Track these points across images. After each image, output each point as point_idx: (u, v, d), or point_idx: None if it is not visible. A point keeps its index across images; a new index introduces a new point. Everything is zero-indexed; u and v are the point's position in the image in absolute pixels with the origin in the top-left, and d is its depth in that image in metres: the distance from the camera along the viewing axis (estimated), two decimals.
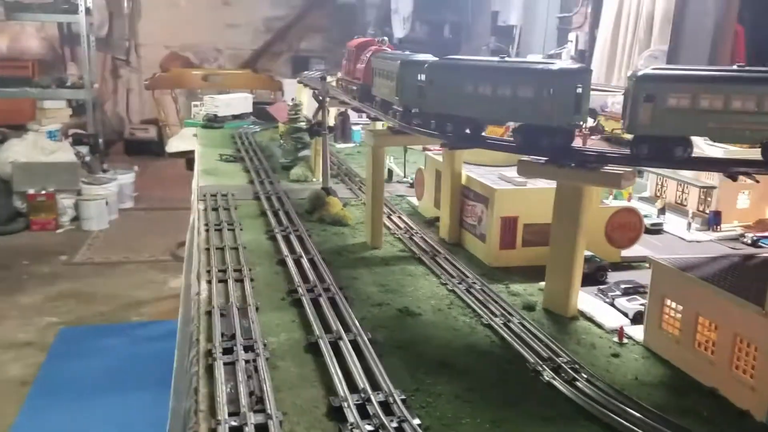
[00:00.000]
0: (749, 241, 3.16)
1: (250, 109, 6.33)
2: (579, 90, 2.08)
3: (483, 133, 2.41)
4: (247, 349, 1.92)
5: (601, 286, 2.48)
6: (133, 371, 6.15)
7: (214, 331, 2.03)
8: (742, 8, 7.77)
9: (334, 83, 3.85)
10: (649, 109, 1.94)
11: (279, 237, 2.98)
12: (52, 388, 5.75)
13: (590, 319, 2.28)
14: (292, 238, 2.96)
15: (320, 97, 3.38)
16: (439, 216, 3.24)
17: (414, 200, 3.76)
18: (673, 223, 3.40)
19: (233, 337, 1.98)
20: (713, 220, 3.30)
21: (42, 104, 11.71)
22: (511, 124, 2.91)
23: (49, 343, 6.50)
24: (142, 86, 14.87)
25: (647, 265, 2.83)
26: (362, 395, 1.70)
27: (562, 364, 1.90)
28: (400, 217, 3.40)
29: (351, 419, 1.60)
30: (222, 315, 2.15)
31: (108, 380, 5.96)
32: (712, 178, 3.35)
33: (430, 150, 5.10)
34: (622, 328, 2.15)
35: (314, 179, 4.17)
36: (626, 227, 2.81)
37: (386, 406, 1.65)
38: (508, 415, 1.70)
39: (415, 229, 3.21)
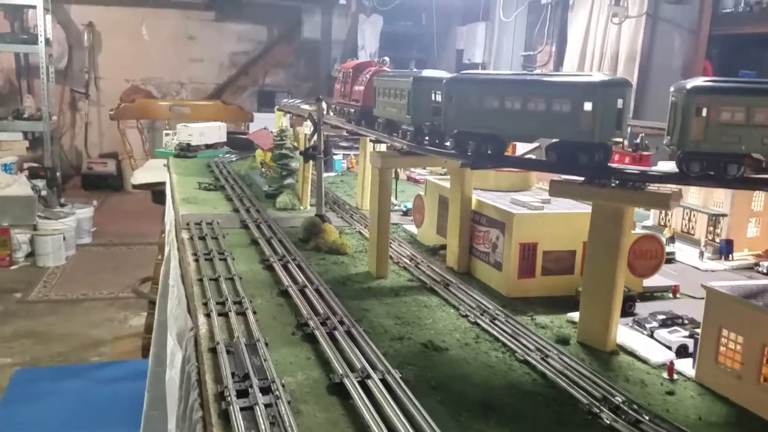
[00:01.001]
0: (765, 270, 3.04)
1: (224, 139, 6.08)
2: (620, 104, 1.93)
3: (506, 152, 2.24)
4: (264, 391, 1.67)
5: (637, 317, 2.30)
6: (94, 414, 5.77)
7: (223, 371, 1.77)
8: (710, 44, 7.92)
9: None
10: (702, 123, 1.80)
11: (276, 266, 2.73)
12: None
13: (632, 354, 2.10)
14: (291, 267, 2.72)
15: (316, 120, 3.18)
16: (444, 244, 3.05)
17: (410, 228, 3.57)
18: (682, 252, 3.28)
19: (246, 377, 1.73)
20: (725, 249, 3.18)
21: None
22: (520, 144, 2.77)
23: (3, 386, 6.06)
24: (102, 119, 14.54)
25: (671, 295, 2.71)
26: None
27: (621, 405, 1.70)
28: (400, 245, 3.19)
29: None
30: (229, 352, 1.90)
31: (67, 424, 5.56)
32: (721, 205, 3.25)
33: (415, 178, 4.94)
34: (672, 363, 1.97)
35: (302, 207, 3.95)
36: (648, 255, 2.65)
37: None
38: None
39: (419, 258, 3.00)
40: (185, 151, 5.65)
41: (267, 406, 1.59)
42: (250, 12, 14.66)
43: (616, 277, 2.06)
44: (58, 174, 11.30)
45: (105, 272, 9.40)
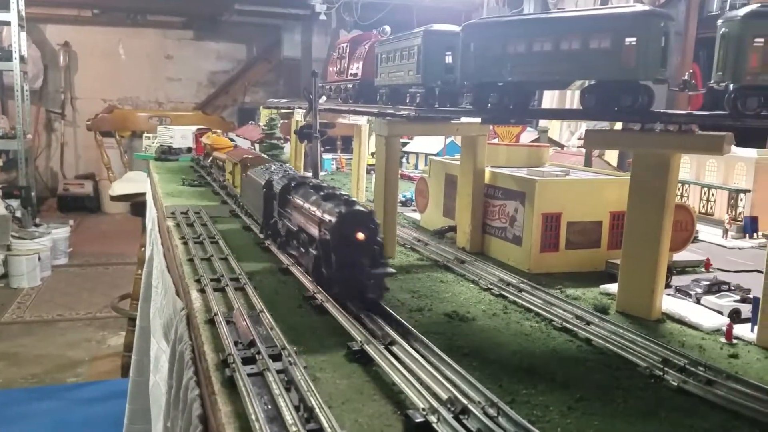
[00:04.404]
0: None
1: None
2: (665, 38, 1.74)
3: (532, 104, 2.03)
4: (274, 358, 1.42)
5: (678, 285, 2.09)
6: None
7: (224, 340, 1.52)
8: (698, 47, 7.88)
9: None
10: (761, 52, 1.60)
11: (274, 248, 2.49)
12: None
13: (680, 321, 1.87)
14: (292, 249, 2.48)
15: (311, 97, 2.96)
16: (452, 225, 2.83)
17: (410, 215, 3.34)
18: (702, 233, 3.07)
19: (252, 344, 1.48)
20: (750, 226, 2.99)
21: None
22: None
23: None
24: (78, 140, 14.20)
25: (702, 269, 2.50)
26: (449, 407, 1.23)
27: (687, 366, 1.48)
28: (404, 230, 2.96)
29: None
30: (228, 322, 1.64)
31: None
32: (743, 181, 3.07)
33: (409, 175, 4.73)
34: (731, 326, 1.76)
35: None
36: (679, 227, 2.44)
37: (493, 420, 1.18)
38: (653, 429, 1.26)
39: (424, 240, 2.77)
40: (166, 154, 5.39)
41: (279, 372, 1.34)
42: (229, 30, 14.50)
43: (661, 236, 1.84)
44: (33, 194, 10.93)
45: (82, 292, 9.04)
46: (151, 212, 4.27)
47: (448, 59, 2.24)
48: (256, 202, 2.75)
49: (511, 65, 1.93)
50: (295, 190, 2.32)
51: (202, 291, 1.95)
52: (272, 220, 2.52)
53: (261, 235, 2.48)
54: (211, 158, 4.38)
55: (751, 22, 1.59)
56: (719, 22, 1.69)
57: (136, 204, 6.90)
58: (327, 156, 5.18)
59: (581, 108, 1.85)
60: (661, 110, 1.78)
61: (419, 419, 1.19)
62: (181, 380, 1.70)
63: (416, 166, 5.28)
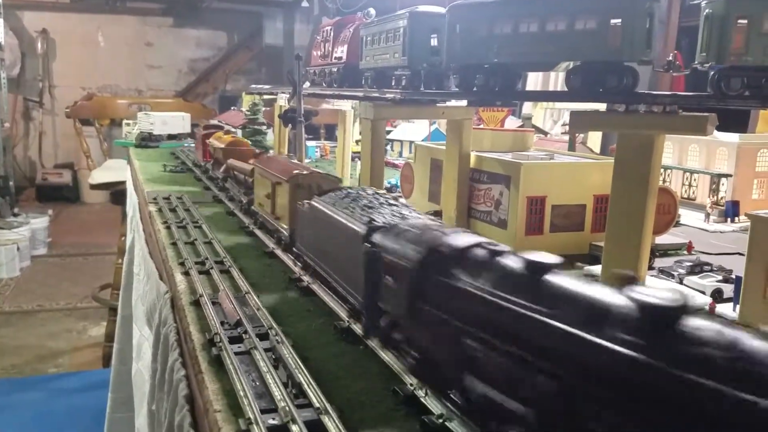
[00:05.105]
0: None
1: (188, 129, 5.77)
2: (650, 19, 1.74)
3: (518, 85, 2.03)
4: (262, 337, 1.42)
5: (661, 267, 2.11)
6: (52, 427, 5.36)
7: (210, 320, 1.51)
8: (680, 35, 7.94)
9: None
10: (744, 33, 1.61)
11: (259, 233, 2.47)
12: None
13: None
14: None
15: (295, 80, 2.93)
16: (437, 210, 2.83)
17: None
18: (685, 217, 3.10)
19: (239, 324, 1.47)
20: (731, 210, 3.02)
21: None
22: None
23: None
24: (56, 128, 14.03)
25: (685, 252, 2.53)
26: None
27: None
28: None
29: (437, 411, 1.13)
30: (214, 304, 1.63)
31: None
32: (724, 166, 3.10)
33: (393, 163, 4.73)
34: (713, 305, 1.78)
35: None
36: (661, 210, 2.46)
37: None
38: None
39: None
40: (147, 140, 5.33)
41: (267, 350, 1.34)
42: (209, 17, 14.36)
43: (645, 217, 1.85)
44: (11, 183, 10.79)
45: (62, 283, 8.95)
46: (132, 199, 4.23)
47: (434, 41, 2.24)
48: (343, 264, 1.57)
49: (497, 47, 1.93)
50: (463, 267, 1.08)
51: (186, 273, 1.94)
52: (394, 314, 1.26)
53: (353, 325, 1.51)
54: (223, 167, 3.31)
55: (735, 2, 1.60)
56: (703, 2, 1.70)
57: (116, 192, 6.84)
58: (311, 143, 5.15)
59: (566, 89, 1.85)
60: (646, 91, 1.79)
61: (408, 393, 1.20)
62: (166, 363, 1.69)
63: (401, 154, 5.27)
